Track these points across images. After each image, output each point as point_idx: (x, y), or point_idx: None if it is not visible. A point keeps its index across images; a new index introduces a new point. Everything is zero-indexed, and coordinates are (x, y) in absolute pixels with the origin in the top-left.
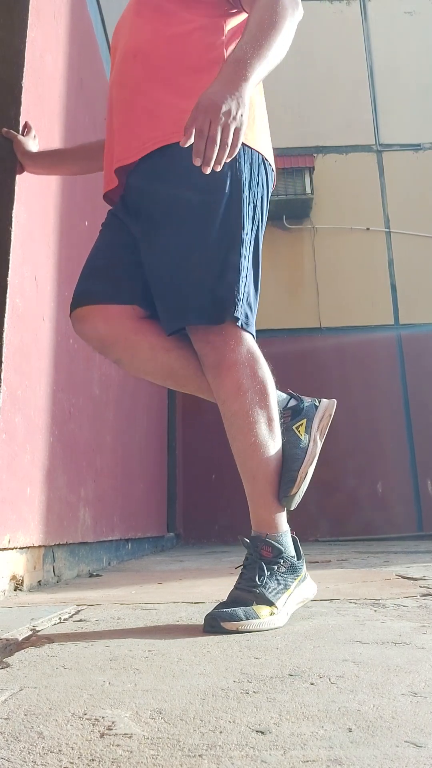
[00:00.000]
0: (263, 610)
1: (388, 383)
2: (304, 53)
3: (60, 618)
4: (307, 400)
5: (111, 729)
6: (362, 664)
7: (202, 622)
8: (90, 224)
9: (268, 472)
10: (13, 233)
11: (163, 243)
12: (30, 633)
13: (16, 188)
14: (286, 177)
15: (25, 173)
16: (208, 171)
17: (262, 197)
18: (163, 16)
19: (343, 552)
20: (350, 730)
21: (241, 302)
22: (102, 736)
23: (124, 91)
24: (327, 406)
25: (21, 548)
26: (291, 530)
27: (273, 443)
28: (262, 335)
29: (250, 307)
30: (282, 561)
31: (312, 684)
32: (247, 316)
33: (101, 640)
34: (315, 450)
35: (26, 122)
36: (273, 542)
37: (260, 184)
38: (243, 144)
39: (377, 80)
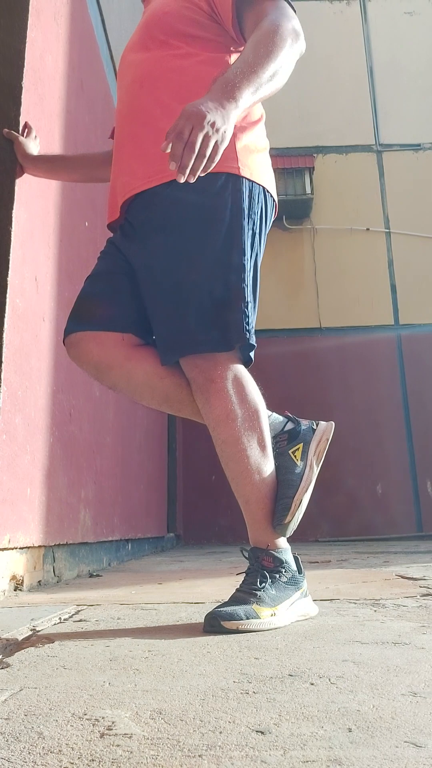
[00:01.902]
0: (264, 611)
1: (388, 383)
2: (304, 53)
3: (60, 618)
4: (305, 423)
5: (111, 729)
6: (362, 664)
7: (202, 622)
8: (90, 224)
9: (261, 497)
10: (13, 233)
11: (159, 263)
12: (30, 633)
13: (17, 189)
14: (286, 177)
15: (25, 174)
16: (182, 180)
17: (261, 225)
18: (168, 50)
19: (343, 552)
20: (350, 731)
21: (250, 329)
22: (102, 736)
23: (131, 123)
24: (324, 430)
25: (21, 548)
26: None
27: (266, 467)
28: (262, 335)
29: (252, 332)
30: (284, 570)
31: (312, 684)
32: (250, 343)
33: (101, 641)
34: (311, 476)
35: (26, 123)
36: (274, 554)
37: (259, 213)
38: (243, 177)
39: (377, 80)
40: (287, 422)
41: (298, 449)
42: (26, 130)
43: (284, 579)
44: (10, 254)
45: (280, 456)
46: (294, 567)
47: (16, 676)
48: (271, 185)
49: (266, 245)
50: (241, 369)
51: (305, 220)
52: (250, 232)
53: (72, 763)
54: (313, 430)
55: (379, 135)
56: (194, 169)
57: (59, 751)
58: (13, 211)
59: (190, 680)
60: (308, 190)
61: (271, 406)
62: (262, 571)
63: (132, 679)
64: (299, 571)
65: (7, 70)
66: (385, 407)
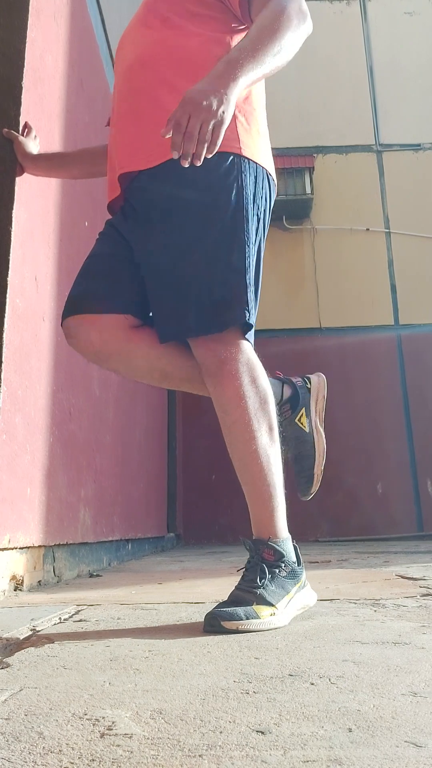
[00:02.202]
0: (264, 611)
1: (388, 383)
2: (304, 53)
3: (60, 618)
4: (298, 383)
5: (111, 729)
6: (362, 664)
7: (202, 622)
8: (90, 224)
9: (269, 480)
10: (13, 233)
11: (163, 243)
12: (30, 633)
13: (16, 188)
14: (286, 177)
15: (25, 174)
16: (186, 164)
17: (264, 210)
18: (171, 28)
19: (343, 552)
20: (350, 730)
21: (248, 309)
22: (102, 736)
23: (132, 99)
24: (318, 387)
25: (21, 548)
26: (292, 538)
27: (273, 451)
28: (262, 335)
29: (253, 316)
30: (283, 565)
31: (312, 684)
32: (251, 325)
33: (101, 641)
34: (322, 443)
35: (26, 122)
36: (275, 546)
37: (264, 197)
38: (247, 158)
39: (377, 80)
40: (283, 386)
41: (302, 415)
42: (26, 130)
43: (283, 573)
44: (10, 254)
45: (289, 425)
46: (293, 558)
47: (16, 676)
48: (271, 168)
49: (266, 245)
50: (250, 351)
51: (305, 220)
52: (255, 216)
53: (72, 763)
54: (308, 389)
55: (379, 135)
56: (197, 154)
57: (59, 751)
58: (13, 211)
59: (190, 680)
60: (308, 190)
61: None
62: (261, 565)
63: (132, 679)
64: (298, 563)
65: (7, 69)
66: (386, 407)
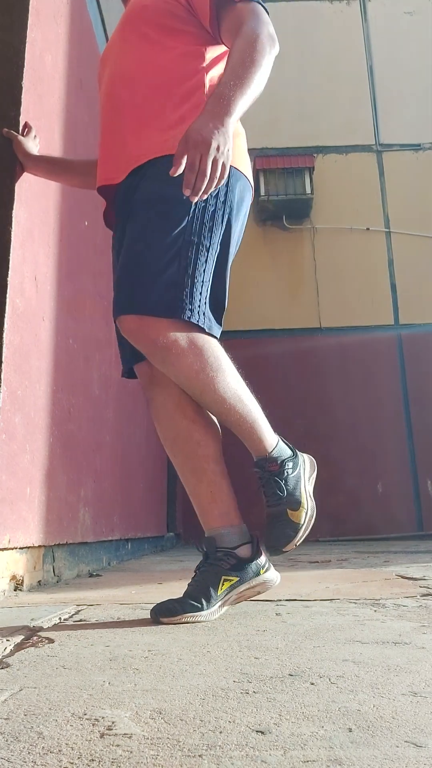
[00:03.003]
0: (297, 514)
1: (388, 383)
2: (304, 53)
3: (60, 618)
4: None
5: (111, 729)
6: (362, 664)
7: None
8: (90, 224)
9: (246, 412)
10: (13, 233)
11: (129, 234)
12: (30, 633)
13: (17, 188)
14: (286, 177)
15: (25, 173)
16: (195, 200)
17: (236, 209)
18: (147, 43)
19: (343, 552)
20: (350, 730)
21: (190, 304)
22: (102, 736)
23: (113, 115)
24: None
25: (21, 548)
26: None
27: (244, 394)
28: (262, 335)
29: (204, 313)
30: (285, 463)
31: (312, 684)
32: (199, 315)
33: (101, 640)
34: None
35: (26, 122)
36: (275, 457)
37: (238, 198)
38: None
39: (377, 80)
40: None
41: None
42: (26, 130)
43: (290, 469)
44: (10, 254)
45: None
46: (289, 451)
47: (16, 676)
48: (245, 167)
49: (266, 245)
50: (199, 338)
51: (305, 219)
52: (222, 215)
53: (72, 763)
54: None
55: (379, 135)
56: (207, 190)
57: (59, 750)
58: (13, 211)
59: (190, 680)
60: (308, 190)
61: (271, 406)
62: (272, 478)
63: (132, 679)
64: (294, 452)
65: (6, 69)
66: (386, 407)
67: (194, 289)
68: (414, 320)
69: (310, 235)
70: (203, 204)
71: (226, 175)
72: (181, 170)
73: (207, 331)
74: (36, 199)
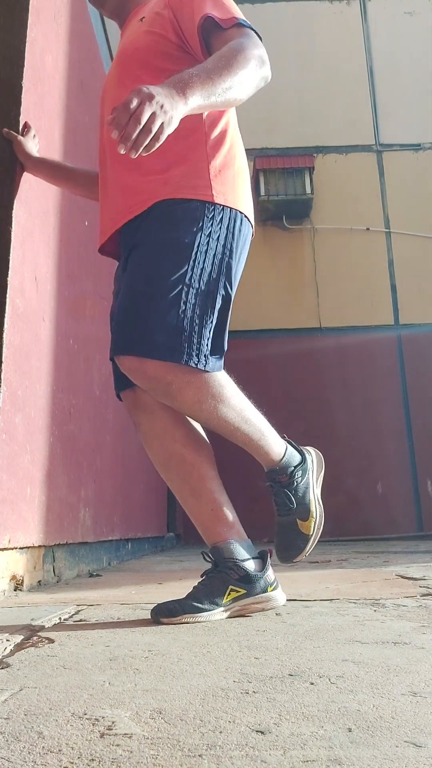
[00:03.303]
0: (307, 525)
1: (388, 383)
2: (304, 53)
3: (60, 618)
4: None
5: (111, 729)
6: (362, 664)
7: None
8: (90, 224)
9: (252, 429)
10: (13, 233)
11: (129, 275)
12: (30, 633)
13: (16, 188)
14: (286, 177)
15: (25, 174)
16: (123, 151)
17: (235, 250)
18: (141, 84)
19: (343, 552)
20: (350, 730)
21: (189, 348)
22: (102, 736)
23: (114, 153)
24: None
25: (21, 548)
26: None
27: (249, 414)
28: (262, 335)
29: (205, 356)
30: (294, 473)
31: (312, 684)
32: (199, 359)
33: (101, 640)
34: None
35: (26, 122)
36: (284, 467)
37: (236, 240)
38: (221, 205)
39: (377, 80)
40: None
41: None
42: (26, 130)
43: (299, 477)
44: (10, 254)
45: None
46: (297, 458)
47: (16, 676)
48: (246, 208)
49: (266, 245)
50: (200, 376)
51: (305, 220)
52: (220, 257)
53: (72, 763)
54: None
55: (379, 135)
56: (137, 142)
57: (59, 750)
58: (13, 211)
59: (190, 680)
60: (308, 190)
61: (271, 406)
62: (283, 491)
63: (132, 679)
64: (302, 457)
65: (7, 69)
66: (386, 407)
67: (194, 334)
68: (414, 320)
69: (310, 236)
70: (205, 247)
71: (161, 137)
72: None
73: (209, 370)
74: (36, 199)
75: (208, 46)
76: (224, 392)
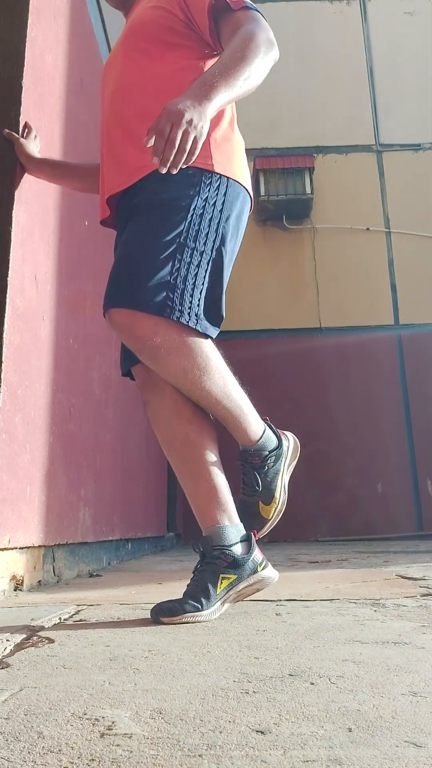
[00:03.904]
0: (268, 509)
1: (388, 383)
2: (304, 53)
3: (60, 618)
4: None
5: (111, 729)
6: (362, 664)
7: (204, 622)
8: (90, 224)
9: (234, 405)
10: (13, 233)
11: (127, 233)
12: (30, 633)
13: (16, 188)
14: (286, 177)
15: (25, 174)
16: (164, 171)
17: (233, 218)
18: (148, 59)
19: (343, 552)
20: (350, 730)
21: (180, 305)
22: (102, 736)
23: (114, 127)
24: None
25: (21, 548)
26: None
27: (231, 389)
28: (262, 335)
29: (196, 314)
30: (267, 457)
31: (312, 684)
32: (190, 316)
33: (101, 640)
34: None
35: (26, 123)
36: (259, 449)
37: (235, 208)
38: (219, 174)
39: (377, 80)
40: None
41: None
42: (26, 130)
43: (271, 462)
44: (10, 254)
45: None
46: (274, 441)
47: (16, 675)
48: (244, 179)
49: (266, 245)
50: (189, 339)
51: (305, 220)
52: (216, 222)
53: (72, 763)
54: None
55: (379, 135)
56: (175, 162)
57: (59, 750)
58: (13, 211)
59: (190, 680)
60: (308, 190)
61: (271, 406)
62: (253, 472)
63: (132, 679)
64: (279, 442)
65: (7, 69)
66: (386, 407)
67: (186, 292)
68: (414, 320)
69: (310, 235)
70: (201, 210)
71: (197, 151)
72: (152, 142)
73: (200, 331)
74: (36, 199)
75: (216, 25)
76: (210, 364)
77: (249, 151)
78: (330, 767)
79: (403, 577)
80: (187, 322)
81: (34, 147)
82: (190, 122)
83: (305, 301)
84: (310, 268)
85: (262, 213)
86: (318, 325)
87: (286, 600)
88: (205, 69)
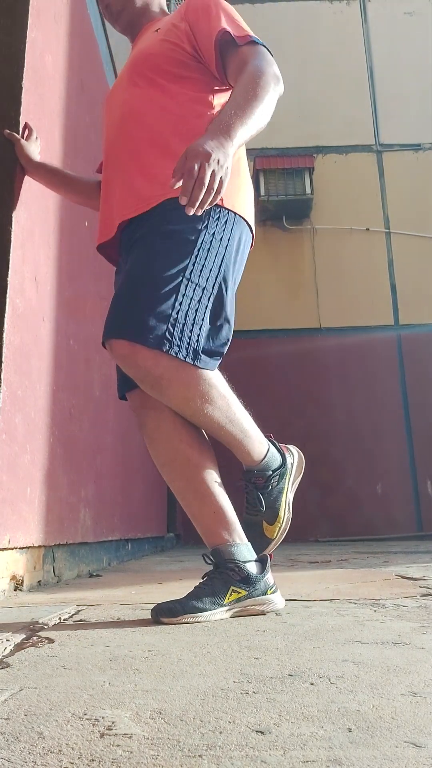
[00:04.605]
0: (272, 529)
1: (388, 383)
2: (304, 53)
3: (60, 618)
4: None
5: (111, 729)
6: (362, 665)
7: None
8: (90, 224)
9: (240, 431)
10: (13, 233)
11: (131, 263)
12: (30, 633)
13: (17, 188)
14: (286, 177)
15: (25, 175)
16: (192, 212)
17: (234, 253)
18: (155, 88)
19: (343, 552)
20: (350, 731)
21: (179, 341)
22: (102, 736)
23: (123, 152)
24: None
25: (21, 548)
26: (269, 437)
27: (235, 414)
28: (262, 335)
29: (195, 350)
30: (271, 477)
31: (312, 684)
32: (188, 352)
33: (101, 641)
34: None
35: (26, 124)
36: (262, 469)
37: (237, 244)
38: (227, 209)
39: (377, 80)
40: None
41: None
42: (26, 132)
43: (275, 482)
44: (10, 254)
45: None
46: (278, 460)
47: (16, 676)
48: (250, 217)
49: (266, 245)
50: (189, 372)
51: (305, 220)
52: (222, 258)
53: (72, 763)
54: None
55: (379, 135)
56: (203, 202)
57: (59, 751)
58: (13, 211)
59: (190, 680)
60: (308, 190)
61: (271, 406)
62: (256, 492)
63: (132, 679)
64: (283, 460)
65: (7, 69)
66: (385, 407)
67: (186, 327)
68: (414, 320)
69: (310, 236)
70: (208, 245)
71: (223, 191)
72: (179, 183)
73: (200, 366)
74: (36, 200)
75: (223, 59)
76: (212, 392)
77: (249, 151)
78: (330, 767)
79: (403, 577)
80: (185, 358)
81: (35, 148)
82: (216, 162)
83: (305, 301)
84: (310, 268)
85: (262, 213)
86: (318, 325)
87: (286, 600)
88: (212, 100)
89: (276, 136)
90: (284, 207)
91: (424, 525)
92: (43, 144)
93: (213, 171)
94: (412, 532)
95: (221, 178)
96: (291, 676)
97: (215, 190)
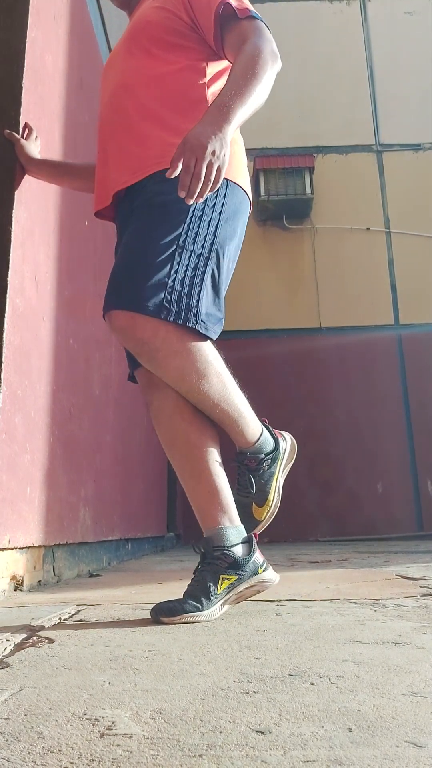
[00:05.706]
0: (261, 511)
1: (388, 383)
2: (304, 53)
3: (60, 618)
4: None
5: (111, 729)
6: (362, 664)
7: (204, 622)
8: (90, 224)
9: (235, 411)
10: (13, 233)
11: (128, 235)
12: (30, 633)
13: (16, 188)
14: (286, 177)
15: (25, 174)
16: (191, 202)
17: (232, 220)
18: (150, 58)
19: (343, 552)
20: (350, 730)
21: (177, 307)
22: (102, 736)
23: (116, 123)
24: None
25: (21, 548)
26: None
27: (229, 392)
28: (262, 335)
29: (196, 315)
30: (263, 460)
31: (312, 684)
32: (188, 317)
33: (101, 640)
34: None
35: (26, 123)
36: (255, 452)
37: (235, 212)
38: (225, 178)
39: (377, 80)
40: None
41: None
42: (26, 131)
43: (267, 464)
44: (10, 254)
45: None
46: (271, 444)
47: (16, 676)
48: (243, 181)
49: (267, 245)
50: (189, 341)
51: (305, 219)
52: (216, 224)
53: (72, 763)
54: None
55: (379, 135)
56: (201, 193)
57: (59, 750)
58: (13, 211)
59: (190, 680)
60: (308, 190)
61: (271, 406)
62: (248, 474)
63: (132, 679)
64: (276, 444)
65: (7, 69)
66: (386, 407)
67: (183, 294)
68: (414, 320)
69: (310, 235)
70: (200, 213)
71: (221, 180)
72: (177, 173)
73: (200, 332)
74: (36, 199)
75: (222, 30)
76: (209, 368)
77: (249, 151)
78: (330, 767)
79: (403, 577)
80: (185, 323)
81: (35, 148)
82: (213, 153)
83: (305, 301)
84: (310, 268)
85: (262, 213)
86: (318, 325)
87: (287, 600)
88: (207, 70)
89: (276, 136)
90: (284, 207)
91: (425, 524)
92: (43, 143)
93: (210, 163)
94: (412, 531)
95: (218, 168)
96: (291, 675)
97: (212, 180)
